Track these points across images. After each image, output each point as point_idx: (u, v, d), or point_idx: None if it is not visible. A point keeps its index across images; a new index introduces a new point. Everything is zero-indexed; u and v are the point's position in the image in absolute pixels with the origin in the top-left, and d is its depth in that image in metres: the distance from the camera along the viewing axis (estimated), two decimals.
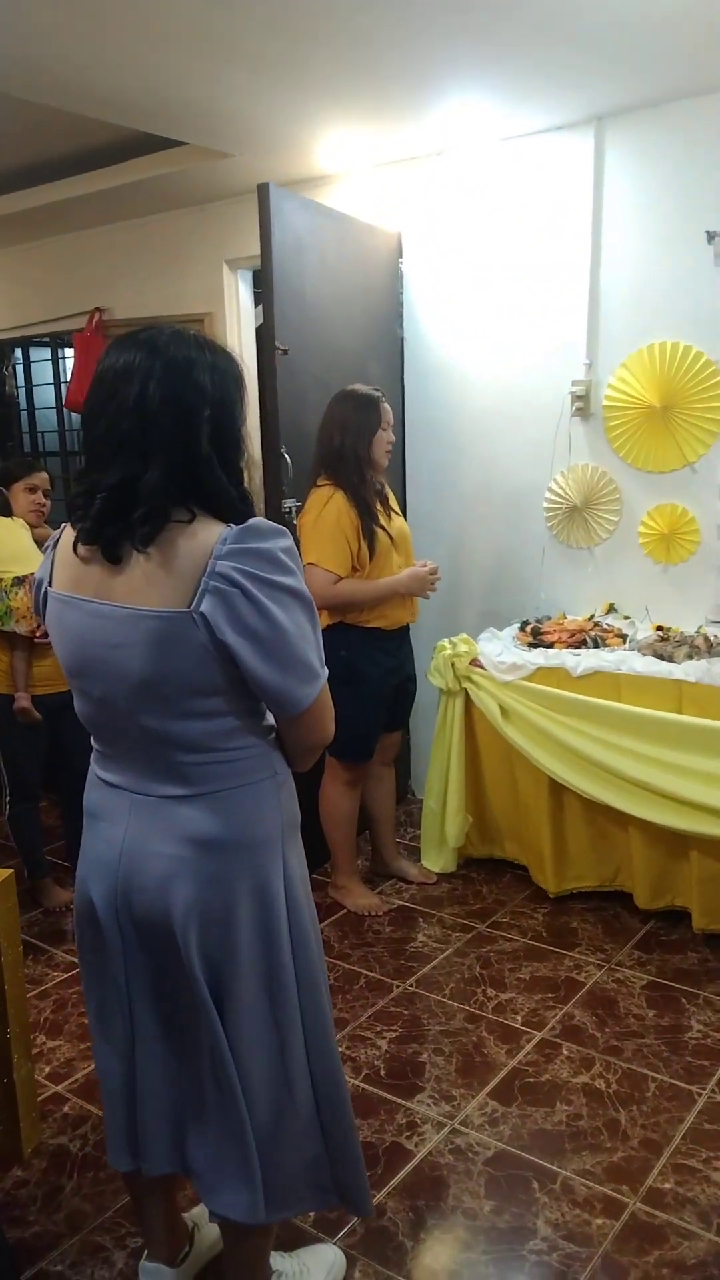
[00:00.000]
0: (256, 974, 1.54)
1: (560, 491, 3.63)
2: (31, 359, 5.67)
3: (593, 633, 3.33)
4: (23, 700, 3.18)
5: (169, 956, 1.52)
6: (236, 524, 1.41)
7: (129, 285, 4.70)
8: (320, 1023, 1.63)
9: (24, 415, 5.74)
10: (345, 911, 3.33)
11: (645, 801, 2.95)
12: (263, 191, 3.16)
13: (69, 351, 5.15)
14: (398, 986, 2.90)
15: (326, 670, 1.50)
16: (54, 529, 3.45)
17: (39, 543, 3.32)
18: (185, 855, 1.48)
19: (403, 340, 3.93)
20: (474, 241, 3.67)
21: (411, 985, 2.91)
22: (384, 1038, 2.66)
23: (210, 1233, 1.93)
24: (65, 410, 5.34)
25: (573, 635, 3.33)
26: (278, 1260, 1.84)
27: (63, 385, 5.36)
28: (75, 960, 3.01)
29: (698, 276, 3.24)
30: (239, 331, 4.45)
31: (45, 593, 1.54)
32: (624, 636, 3.32)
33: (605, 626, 3.42)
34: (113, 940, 1.56)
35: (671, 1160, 2.19)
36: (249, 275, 4.46)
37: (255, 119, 3.25)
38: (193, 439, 1.39)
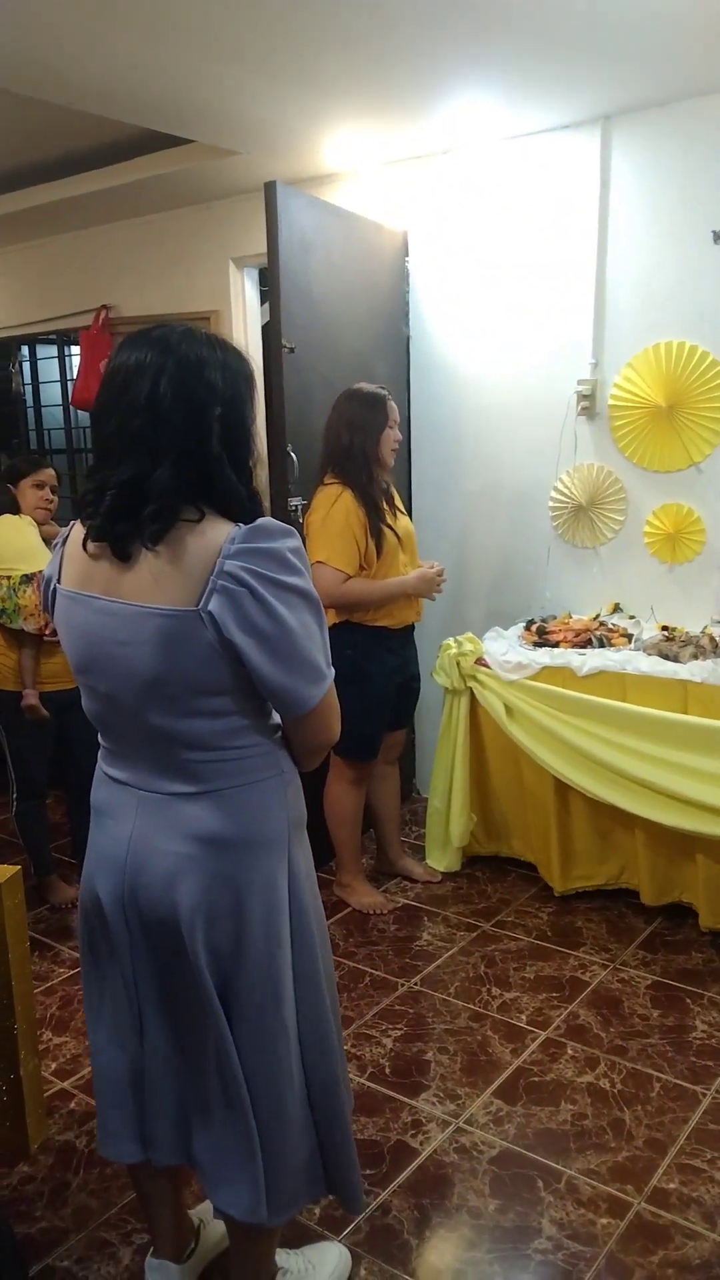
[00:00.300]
0: (262, 972, 1.54)
1: (566, 491, 3.63)
2: (38, 356, 5.69)
3: (598, 632, 3.33)
4: (30, 697, 3.18)
5: (175, 953, 1.53)
6: (245, 523, 1.41)
7: (135, 283, 4.70)
8: (322, 1021, 1.63)
9: (30, 413, 5.76)
10: (350, 910, 3.34)
11: (650, 802, 2.96)
12: (270, 189, 3.16)
13: (75, 349, 5.16)
14: (402, 985, 2.90)
15: (333, 670, 1.50)
16: (61, 526, 3.47)
17: (46, 540, 3.32)
18: (192, 853, 1.48)
19: (408, 339, 3.92)
20: (480, 240, 3.67)
21: (416, 984, 2.91)
22: (389, 1036, 2.66)
23: (216, 1229, 1.94)
24: (71, 408, 5.35)
25: (578, 635, 3.33)
26: (283, 1257, 1.84)
27: (69, 383, 5.38)
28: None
29: (704, 276, 3.24)
30: (245, 330, 4.45)
31: (54, 590, 1.54)
32: (629, 636, 3.32)
33: (610, 626, 3.42)
34: (119, 937, 1.57)
35: (676, 1160, 2.19)
36: (255, 273, 4.46)
37: (262, 117, 3.25)
38: (203, 437, 1.40)
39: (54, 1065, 2.58)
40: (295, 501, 3.29)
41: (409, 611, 3.21)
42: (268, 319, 4.00)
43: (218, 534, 1.39)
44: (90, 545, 1.45)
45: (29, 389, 5.74)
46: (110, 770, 1.58)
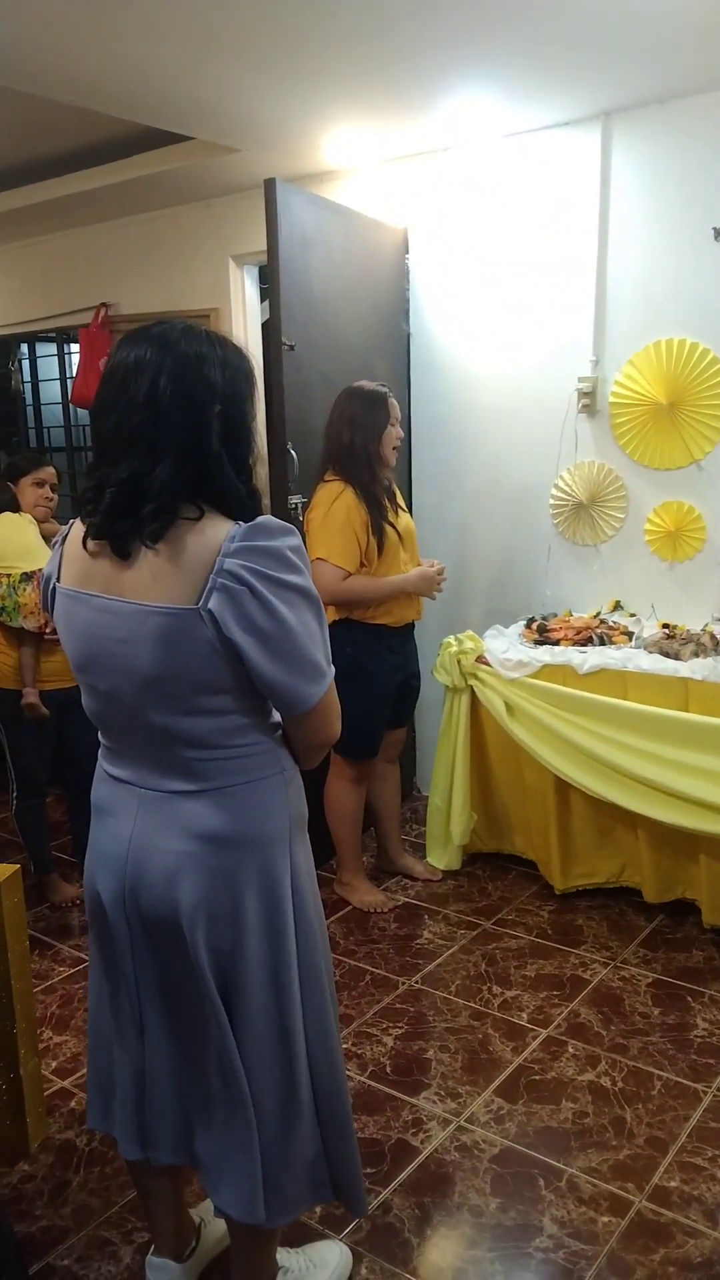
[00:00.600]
0: (263, 970, 1.54)
1: (566, 488, 3.63)
2: (37, 354, 5.68)
3: (599, 630, 3.32)
4: (30, 696, 3.18)
5: (176, 952, 1.53)
6: (245, 521, 1.41)
7: (135, 280, 4.70)
8: (324, 1020, 1.63)
9: (30, 410, 5.75)
10: (350, 908, 3.33)
11: (651, 800, 2.95)
12: (270, 187, 3.16)
13: (75, 347, 5.15)
14: (403, 983, 2.90)
15: (333, 669, 1.50)
16: (60, 524, 3.46)
17: (46, 538, 3.32)
18: (193, 851, 1.48)
19: (409, 336, 3.92)
20: (480, 238, 3.67)
21: (417, 982, 2.91)
22: (390, 1035, 2.66)
23: (217, 1228, 1.94)
24: (71, 405, 5.34)
25: (579, 632, 3.33)
26: (284, 1256, 1.84)
27: (68, 381, 5.36)
28: (82, 956, 3.04)
29: (704, 273, 3.23)
30: (245, 327, 4.45)
31: (53, 588, 1.54)
32: (630, 634, 3.31)
33: (611, 624, 3.42)
34: (120, 935, 1.57)
35: (677, 1158, 2.19)
36: (255, 271, 4.45)
37: (262, 114, 3.24)
38: (203, 435, 1.39)
39: (54, 1064, 2.58)
40: (295, 499, 3.29)
41: (409, 610, 3.21)
42: (267, 316, 3.99)
43: (217, 532, 1.39)
44: (90, 543, 1.45)
45: (28, 387, 5.73)
46: (111, 768, 1.58)
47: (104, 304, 4.78)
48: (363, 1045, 2.61)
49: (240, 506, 1.43)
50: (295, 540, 1.43)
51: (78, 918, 3.32)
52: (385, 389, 3.09)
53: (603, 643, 3.25)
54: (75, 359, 5.10)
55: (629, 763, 2.96)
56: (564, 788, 3.20)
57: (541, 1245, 1.97)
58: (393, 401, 3.08)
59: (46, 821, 3.48)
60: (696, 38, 2.71)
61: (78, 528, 1.49)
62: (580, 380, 3.51)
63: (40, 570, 3.15)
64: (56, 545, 1.56)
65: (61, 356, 5.46)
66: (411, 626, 3.29)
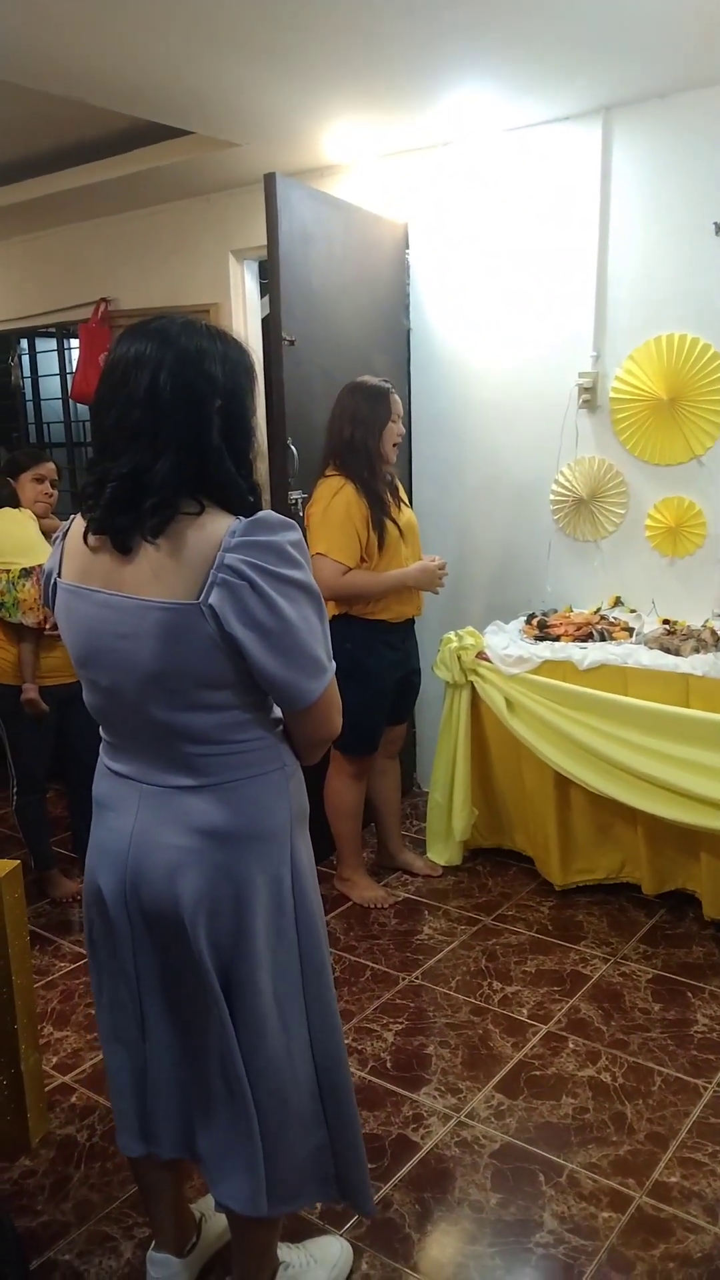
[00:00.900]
0: (264, 965, 1.54)
1: (567, 484, 3.62)
2: (37, 349, 5.67)
3: (599, 626, 3.32)
4: (30, 691, 3.18)
5: (177, 946, 1.53)
6: (245, 516, 1.40)
7: (135, 276, 4.69)
8: (325, 1014, 1.64)
9: (30, 406, 5.74)
10: (351, 904, 3.33)
11: (652, 796, 2.95)
12: (269, 181, 3.15)
13: (75, 342, 5.14)
14: (403, 979, 2.90)
15: (334, 664, 1.50)
16: (60, 520, 3.46)
17: (46, 534, 3.31)
18: (194, 846, 1.48)
19: (409, 331, 3.91)
20: (481, 233, 3.66)
21: (417, 978, 2.91)
22: (390, 1030, 2.66)
23: (218, 1223, 1.94)
24: (71, 401, 5.33)
25: (579, 628, 3.33)
26: (284, 1251, 1.84)
27: (68, 376, 5.35)
28: (82, 951, 3.04)
29: (705, 268, 3.23)
30: (245, 322, 4.45)
31: (54, 583, 1.53)
32: (630, 630, 3.31)
33: (612, 620, 3.42)
34: (122, 930, 1.57)
35: (678, 1154, 2.19)
36: (255, 266, 4.44)
37: (262, 109, 3.23)
38: (203, 430, 1.39)
39: (55, 1060, 2.58)
40: (295, 495, 3.28)
41: (409, 605, 3.20)
42: (267, 311, 3.98)
43: (218, 527, 1.39)
44: (90, 538, 1.45)
45: (28, 382, 5.72)
46: (112, 764, 1.58)
47: (104, 299, 4.77)
48: (363, 1041, 2.62)
49: (241, 501, 1.43)
50: (296, 535, 1.42)
51: (78, 913, 3.32)
52: (387, 385, 3.08)
53: (603, 638, 3.25)
54: (75, 354, 5.10)
55: (629, 759, 2.96)
56: (564, 784, 3.20)
57: (542, 1241, 1.98)
58: (395, 397, 3.07)
59: (47, 817, 3.48)
60: (697, 32, 2.70)
61: (78, 523, 1.49)
62: (581, 375, 3.50)
63: (40, 566, 3.14)
64: (57, 540, 1.55)
65: (61, 352, 5.45)
66: (411, 622, 3.29)
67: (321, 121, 3.37)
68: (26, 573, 3.14)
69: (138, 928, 1.56)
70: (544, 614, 3.58)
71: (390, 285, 3.80)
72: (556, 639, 3.30)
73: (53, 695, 3.22)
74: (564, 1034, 2.62)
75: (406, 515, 3.19)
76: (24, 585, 3.13)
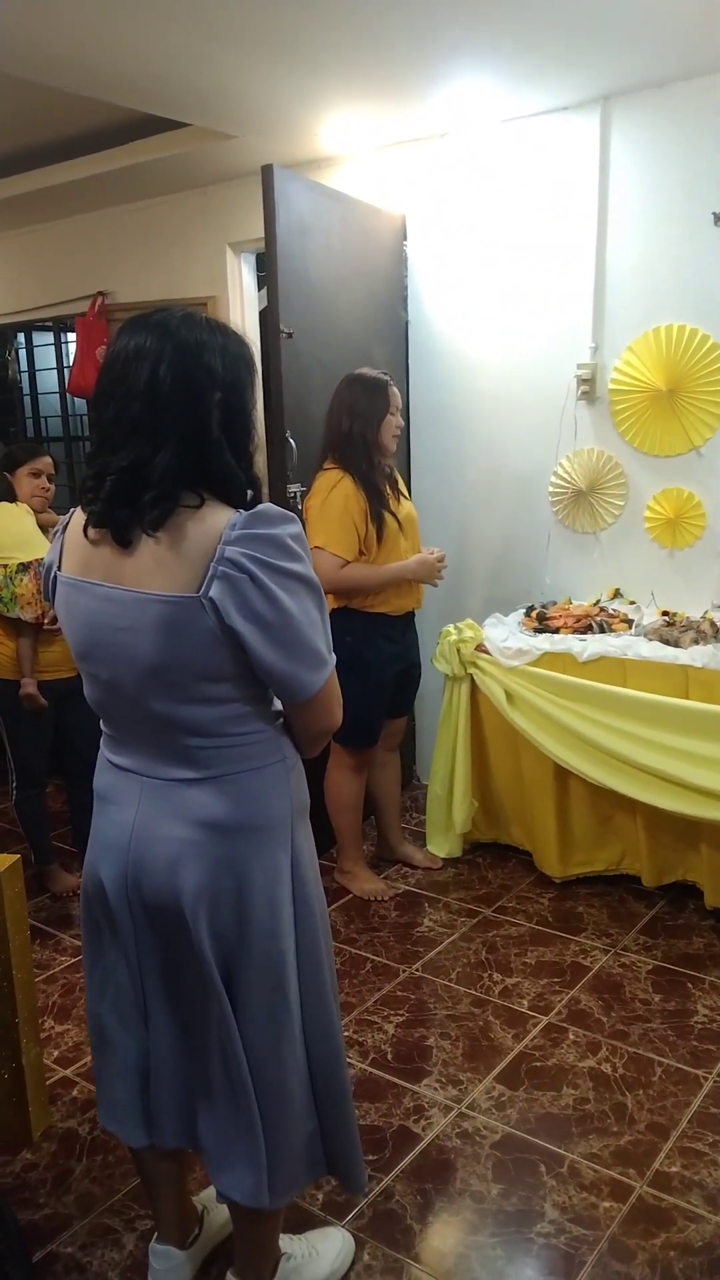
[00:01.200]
0: (265, 957, 1.54)
1: (566, 476, 3.62)
2: (34, 343, 5.65)
3: (599, 618, 3.32)
4: (29, 686, 3.17)
5: (178, 939, 1.53)
6: (245, 509, 1.40)
7: (132, 269, 4.68)
8: (325, 1005, 1.64)
9: (27, 400, 5.73)
10: (351, 896, 3.34)
11: (651, 787, 2.95)
12: (267, 173, 3.14)
13: (72, 336, 5.13)
14: (404, 971, 2.91)
15: (334, 657, 1.50)
16: (58, 514, 3.45)
17: (43, 528, 3.31)
18: (195, 838, 1.48)
19: (407, 323, 3.90)
20: (479, 224, 3.65)
21: (418, 970, 2.91)
22: (391, 1022, 2.67)
23: (220, 1215, 1.94)
24: (68, 395, 5.32)
25: (579, 620, 3.32)
26: (286, 1243, 1.85)
27: (65, 370, 5.34)
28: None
29: (704, 259, 3.22)
30: (242, 315, 4.43)
31: (54, 577, 1.53)
32: (630, 622, 3.31)
33: (611, 612, 3.42)
34: (123, 922, 1.57)
35: (678, 1144, 2.19)
36: (252, 258, 4.43)
37: (259, 100, 3.22)
38: (203, 422, 1.39)
39: (56, 1053, 2.58)
40: (294, 488, 3.28)
41: (409, 599, 3.20)
42: (265, 304, 3.97)
43: (218, 520, 1.39)
44: (91, 532, 1.44)
45: (25, 376, 5.71)
46: (113, 757, 1.58)
47: (101, 293, 4.76)
48: (364, 1033, 2.62)
49: (241, 494, 1.43)
50: (296, 528, 1.42)
51: (78, 908, 3.32)
52: (386, 377, 3.08)
53: (602, 630, 3.25)
54: (72, 348, 5.09)
55: (629, 750, 2.96)
56: (563, 776, 3.20)
57: (543, 1231, 1.98)
58: (393, 390, 3.07)
59: (46, 812, 3.48)
60: (695, 21, 2.69)
61: (78, 516, 1.48)
62: (579, 367, 3.50)
63: (37, 560, 3.14)
64: (57, 534, 1.55)
65: (58, 346, 5.44)
66: (411, 615, 3.29)
67: (319, 113, 3.36)
68: (24, 567, 3.13)
69: (139, 920, 1.56)
70: (543, 606, 3.58)
71: (388, 277, 3.79)
72: (556, 631, 3.30)
73: (51, 690, 3.22)
74: (564, 1025, 2.63)
75: (405, 508, 3.18)
76: (22, 580, 3.12)
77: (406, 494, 3.27)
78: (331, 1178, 1.76)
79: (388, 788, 3.51)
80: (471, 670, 3.34)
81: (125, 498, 1.39)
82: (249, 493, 1.45)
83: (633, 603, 3.55)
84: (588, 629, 3.27)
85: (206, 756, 1.48)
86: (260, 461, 1.53)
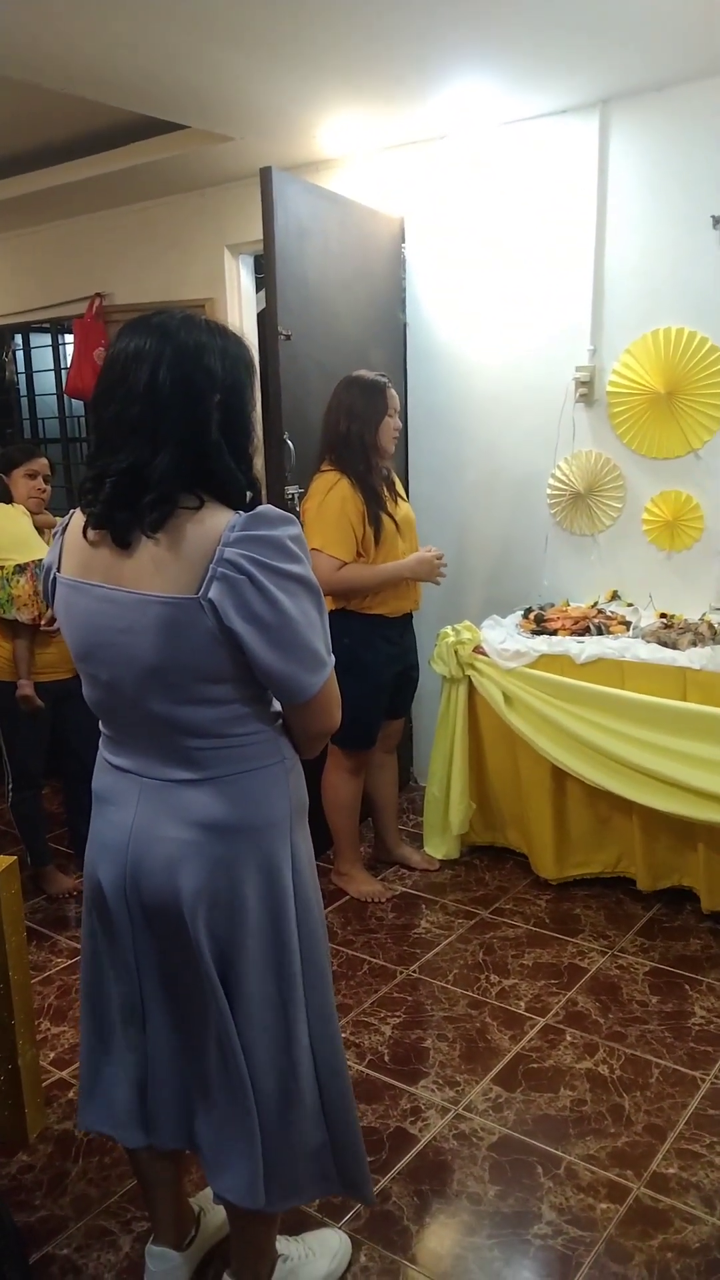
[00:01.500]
0: (264, 957, 1.55)
1: (564, 478, 3.62)
2: (32, 345, 5.65)
3: (596, 620, 3.33)
4: (25, 688, 3.17)
5: (177, 939, 1.53)
6: (245, 511, 1.40)
7: (130, 271, 4.68)
8: (324, 1008, 1.64)
9: (24, 401, 5.72)
10: (348, 898, 3.34)
11: (649, 788, 2.96)
12: (265, 175, 3.14)
13: (69, 337, 5.13)
14: (401, 973, 2.91)
15: (333, 658, 1.50)
16: (55, 515, 3.45)
17: (40, 529, 3.31)
18: (194, 839, 1.48)
19: (405, 326, 3.91)
20: (477, 226, 3.65)
21: (415, 971, 2.91)
22: (388, 1024, 2.67)
23: (216, 1217, 1.94)
24: (65, 396, 5.32)
25: (576, 622, 3.33)
26: (283, 1244, 1.84)
27: (63, 371, 5.34)
28: (79, 947, 3.03)
29: (703, 262, 3.23)
30: (240, 317, 4.44)
31: (54, 578, 1.53)
32: (628, 624, 3.31)
33: (609, 614, 3.42)
34: (121, 923, 1.57)
35: (675, 1145, 2.19)
36: (250, 260, 4.44)
37: (257, 102, 3.22)
38: (203, 425, 1.39)
39: (52, 1055, 2.58)
40: (292, 490, 3.28)
41: (406, 600, 3.20)
42: (263, 306, 3.97)
43: (217, 521, 1.39)
44: (90, 533, 1.45)
45: (23, 378, 5.70)
46: (112, 758, 1.58)
47: (98, 294, 4.76)
48: (361, 1034, 2.62)
49: (240, 496, 1.43)
50: (295, 530, 1.42)
51: (75, 909, 3.32)
52: (384, 379, 3.08)
53: (600, 632, 3.25)
54: (70, 349, 5.08)
55: (627, 752, 2.96)
56: (561, 778, 3.20)
57: (540, 1232, 1.98)
58: (391, 392, 3.07)
59: (42, 813, 3.48)
60: (695, 24, 2.70)
61: (78, 518, 1.49)
62: (578, 369, 3.50)
63: (34, 562, 3.14)
64: (57, 535, 1.56)
65: (56, 347, 5.43)
66: (409, 617, 3.29)
67: (317, 115, 3.36)
68: (21, 568, 3.13)
69: (137, 921, 1.56)
70: (541, 608, 3.58)
71: (386, 279, 3.79)
72: (554, 633, 3.30)
73: (48, 691, 3.22)
74: (561, 1027, 2.63)
75: (403, 509, 3.18)
76: (18, 581, 3.12)
77: (404, 496, 3.27)
78: (344, 1192, 1.75)
79: (385, 789, 3.51)
80: (469, 672, 3.34)
81: (125, 499, 1.39)
82: (248, 494, 1.45)
83: (630, 605, 3.55)
84: (585, 631, 3.28)
85: (205, 757, 1.48)
86: (258, 463, 1.54)
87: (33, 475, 3.34)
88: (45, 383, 5.67)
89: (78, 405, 5.36)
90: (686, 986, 2.79)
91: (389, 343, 3.84)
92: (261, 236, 3.21)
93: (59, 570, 1.52)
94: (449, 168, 3.66)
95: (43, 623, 3.15)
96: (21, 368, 5.69)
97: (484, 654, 3.30)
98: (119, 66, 2.90)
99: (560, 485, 3.64)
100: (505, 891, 3.36)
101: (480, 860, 3.58)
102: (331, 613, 3.00)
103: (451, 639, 3.36)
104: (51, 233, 4.95)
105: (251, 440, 1.48)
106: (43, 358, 5.62)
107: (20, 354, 5.67)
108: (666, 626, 3.20)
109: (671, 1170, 2.13)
